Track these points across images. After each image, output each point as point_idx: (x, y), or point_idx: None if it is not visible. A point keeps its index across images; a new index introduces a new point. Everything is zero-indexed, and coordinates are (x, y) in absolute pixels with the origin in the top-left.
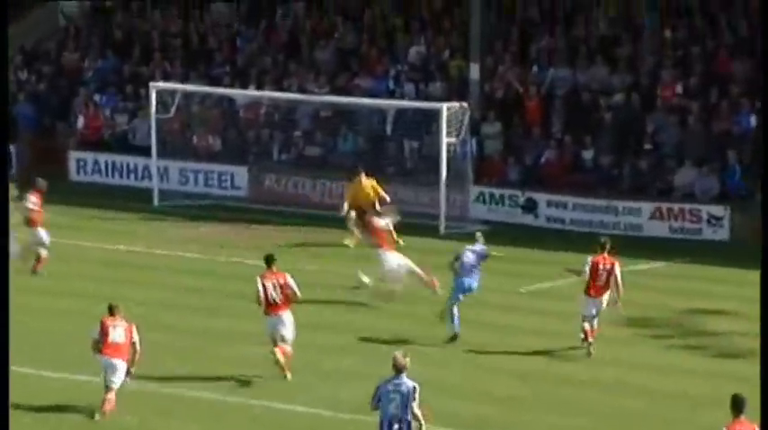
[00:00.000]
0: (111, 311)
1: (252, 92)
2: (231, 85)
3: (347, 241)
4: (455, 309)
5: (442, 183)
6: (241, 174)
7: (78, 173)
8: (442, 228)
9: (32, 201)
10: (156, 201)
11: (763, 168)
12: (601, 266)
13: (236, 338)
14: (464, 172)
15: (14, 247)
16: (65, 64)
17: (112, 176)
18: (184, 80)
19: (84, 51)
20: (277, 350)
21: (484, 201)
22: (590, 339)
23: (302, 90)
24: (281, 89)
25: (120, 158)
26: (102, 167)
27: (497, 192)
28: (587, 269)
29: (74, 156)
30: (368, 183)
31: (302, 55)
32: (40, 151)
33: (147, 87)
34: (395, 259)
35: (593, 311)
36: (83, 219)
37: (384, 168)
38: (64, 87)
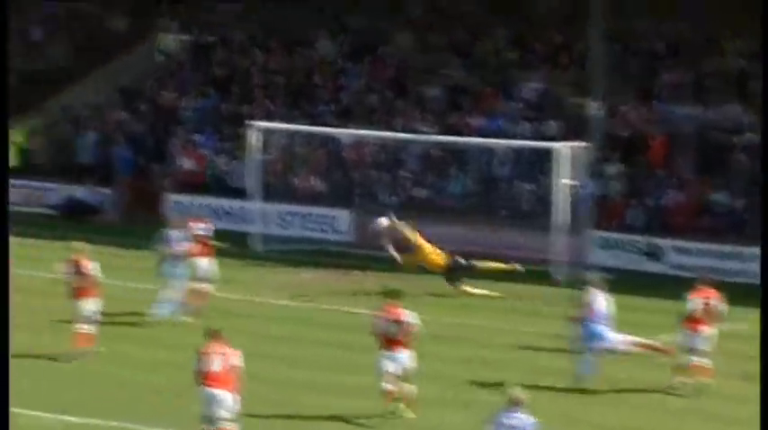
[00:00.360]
0: (213, 337)
1: (357, 131)
2: (335, 124)
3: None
4: (587, 355)
5: (557, 227)
6: (344, 217)
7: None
8: (558, 276)
9: (202, 226)
10: (255, 246)
11: (763, 170)
12: (702, 300)
13: (333, 390)
14: (583, 215)
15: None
16: (162, 103)
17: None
18: (286, 119)
19: (183, 89)
20: (388, 385)
21: (604, 247)
22: (693, 374)
23: (410, 129)
24: (388, 128)
25: (217, 201)
26: (200, 210)
27: (619, 236)
28: (692, 306)
29: (171, 198)
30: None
31: (410, 92)
32: (136, 194)
33: (247, 127)
34: (617, 336)
35: (695, 345)
36: None
37: (496, 211)
38: (161, 128)
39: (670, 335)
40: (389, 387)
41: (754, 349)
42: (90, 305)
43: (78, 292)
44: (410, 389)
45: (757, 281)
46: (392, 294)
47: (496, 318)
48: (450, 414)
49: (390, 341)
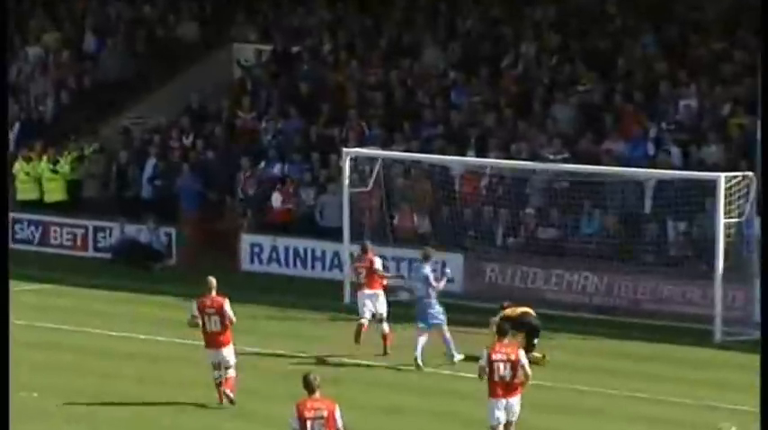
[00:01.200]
0: (309, 387)
1: (470, 159)
2: (444, 151)
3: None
4: None
5: (718, 276)
6: (455, 262)
7: (252, 261)
8: (717, 335)
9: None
10: (347, 297)
11: (762, 174)
12: None
13: None
14: (748, 262)
15: None
16: (238, 125)
17: (294, 265)
18: (386, 144)
19: (262, 109)
20: None
21: None
22: None
23: (535, 156)
24: (508, 155)
25: (303, 243)
26: (282, 254)
27: None
28: None
29: (247, 240)
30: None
31: (535, 111)
32: (205, 234)
33: (338, 154)
34: None
35: None
36: (255, 319)
37: (641, 255)
38: (235, 155)
39: None
40: None
41: None
42: (230, 353)
43: (216, 338)
44: None
45: None
46: (501, 331)
47: (630, 385)
48: None
49: (501, 385)
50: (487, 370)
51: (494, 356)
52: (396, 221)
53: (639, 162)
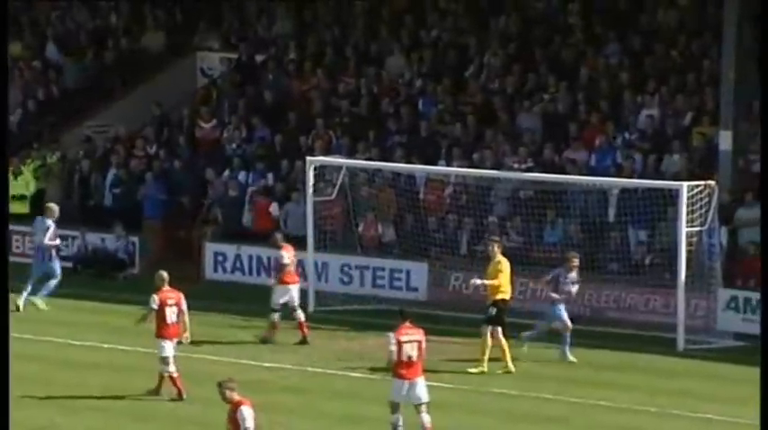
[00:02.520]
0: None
1: (434, 167)
2: (409, 160)
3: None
4: None
5: (680, 285)
6: (419, 271)
7: (216, 270)
8: (680, 344)
9: (286, 255)
10: (311, 306)
11: (762, 174)
12: None
13: None
14: (711, 270)
15: None
16: (201, 134)
17: (258, 274)
18: (350, 153)
19: (226, 118)
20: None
21: (737, 309)
22: None
23: (499, 165)
24: (472, 164)
25: (267, 252)
26: (246, 263)
27: (755, 296)
28: None
29: (211, 248)
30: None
31: (500, 120)
32: (169, 243)
33: (303, 162)
34: None
35: None
36: (219, 327)
37: (605, 264)
38: (199, 163)
39: None
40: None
41: None
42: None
43: (174, 329)
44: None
45: None
46: (403, 314)
47: (594, 394)
48: None
49: (407, 365)
50: (395, 351)
51: (401, 338)
52: (360, 230)
53: (603, 171)
